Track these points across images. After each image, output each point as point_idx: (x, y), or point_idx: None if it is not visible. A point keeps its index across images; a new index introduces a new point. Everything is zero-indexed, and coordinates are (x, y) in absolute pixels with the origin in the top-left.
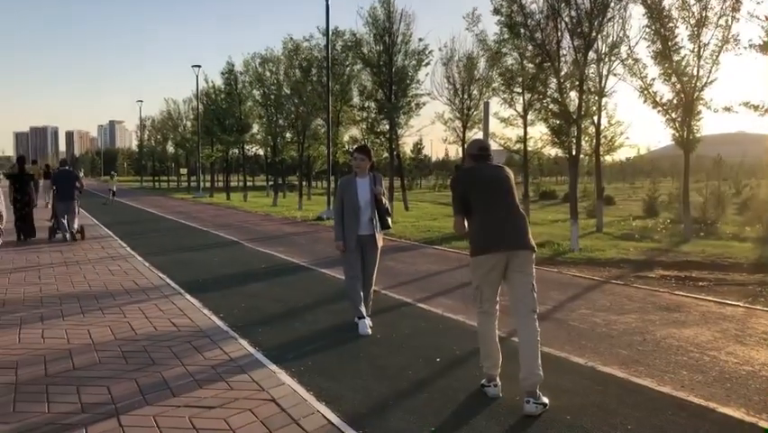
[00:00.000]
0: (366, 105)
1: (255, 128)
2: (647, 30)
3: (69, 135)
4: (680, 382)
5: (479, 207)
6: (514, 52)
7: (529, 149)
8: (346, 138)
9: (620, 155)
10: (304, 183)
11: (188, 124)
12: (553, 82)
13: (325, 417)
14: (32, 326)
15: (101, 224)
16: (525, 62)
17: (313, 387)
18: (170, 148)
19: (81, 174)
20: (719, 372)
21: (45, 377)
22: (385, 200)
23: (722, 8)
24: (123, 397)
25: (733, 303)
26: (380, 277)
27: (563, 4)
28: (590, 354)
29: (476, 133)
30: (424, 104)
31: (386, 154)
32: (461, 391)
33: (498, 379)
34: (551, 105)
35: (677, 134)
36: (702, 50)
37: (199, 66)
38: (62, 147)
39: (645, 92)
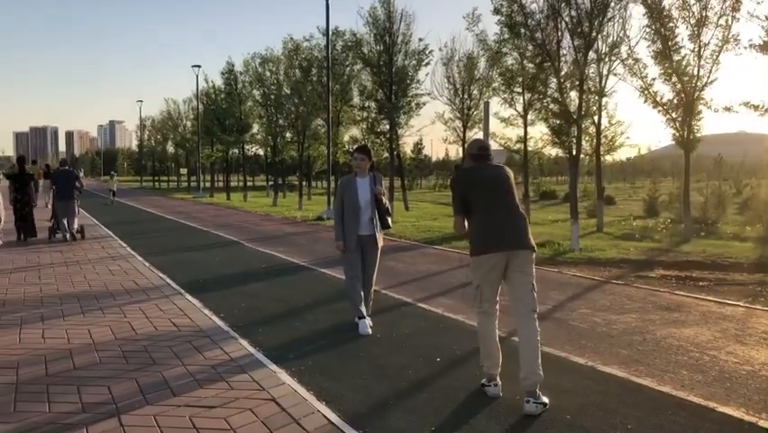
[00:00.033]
0: (366, 105)
1: (255, 128)
2: (647, 29)
3: (69, 135)
4: (680, 381)
5: (479, 207)
6: (514, 52)
7: (529, 149)
8: (346, 138)
9: (621, 155)
10: (304, 183)
11: (188, 124)
12: (553, 82)
13: (326, 416)
14: (33, 326)
15: (101, 224)
16: (525, 62)
17: (313, 387)
18: (170, 148)
19: (81, 174)
20: (719, 371)
21: (46, 377)
22: (385, 200)
23: (722, 8)
24: (124, 397)
25: (733, 303)
26: (381, 277)
27: (564, 4)
28: (590, 354)
29: (476, 133)
30: (424, 104)
31: (386, 154)
32: (461, 391)
33: (498, 378)
34: (551, 105)
35: (677, 134)
36: (702, 49)
37: (199, 66)
38: (62, 147)
39: (646, 92)
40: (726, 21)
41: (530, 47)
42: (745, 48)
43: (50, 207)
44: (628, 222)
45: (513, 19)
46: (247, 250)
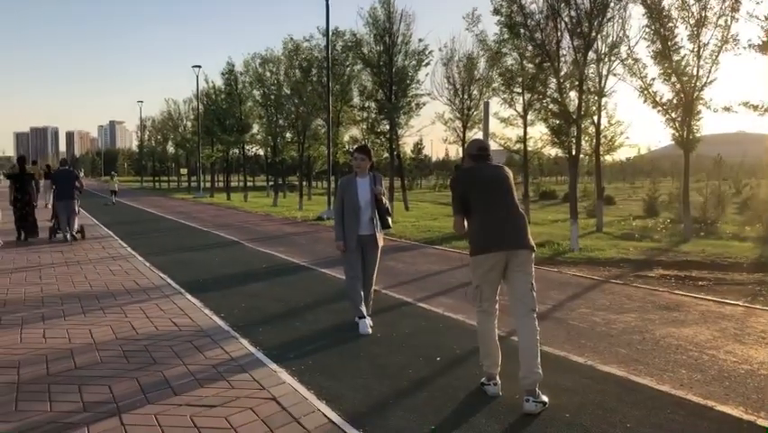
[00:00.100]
0: (366, 105)
1: (255, 128)
2: (647, 30)
3: (70, 136)
4: (679, 380)
5: (478, 207)
6: (514, 52)
7: (529, 149)
8: (346, 138)
9: (620, 155)
10: (304, 183)
11: (189, 124)
12: (552, 82)
13: (326, 415)
14: (34, 325)
15: (101, 224)
16: (524, 62)
17: (313, 386)
18: (171, 148)
19: (81, 174)
20: (718, 370)
21: (47, 376)
22: (385, 200)
23: (721, 8)
24: (125, 396)
25: (732, 302)
26: (381, 277)
27: (563, 5)
28: (590, 353)
29: (476, 133)
30: (424, 104)
31: (386, 154)
32: (461, 390)
33: (497, 377)
34: (551, 105)
35: (677, 134)
36: (702, 49)
37: (199, 66)
38: (62, 147)
39: (645, 92)
40: (726, 21)
41: (530, 47)
42: (745, 48)
43: (50, 207)
44: (628, 222)
45: (513, 19)
46: (247, 250)
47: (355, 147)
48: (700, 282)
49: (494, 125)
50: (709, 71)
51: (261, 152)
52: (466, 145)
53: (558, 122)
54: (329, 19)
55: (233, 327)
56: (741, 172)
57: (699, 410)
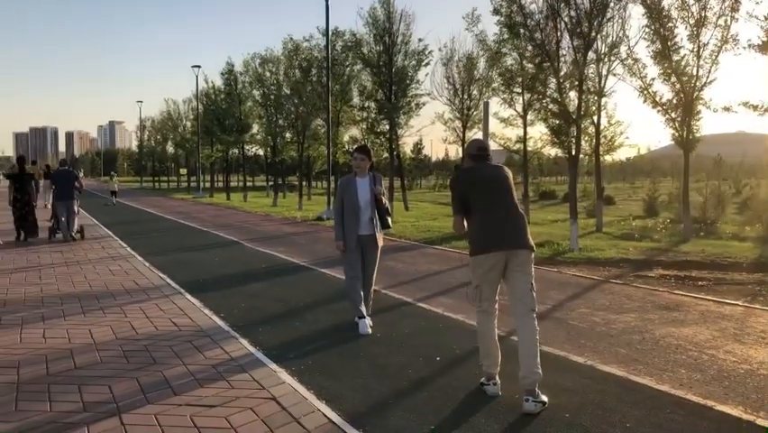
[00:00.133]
0: (366, 105)
1: (255, 128)
2: (647, 30)
3: (69, 136)
4: (678, 380)
5: (478, 207)
6: (513, 52)
7: (529, 149)
8: (346, 138)
9: (620, 155)
10: (304, 183)
11: (188, 124)
12: (552, 82)
13: (326, 415)
14: (34, 325)
15: (101, 224)
16: (524, 62)
17: (313, 386)
18: (170, 148)
19: (81, 175)
20: (717, 370)
21: (47, 376)
22: (385, 200)
23: (721, 8)
24: (125, 396)
25: (732, 302)
26: (380, 277)
27: (563, 5)
28: (590, 353)
29: (476, 133)
30: (423, 104)
31: (386, 154)
32: (460, 390)
33: (497, 377)
34: (550, 105)
35: (677, 134)
36: (701, 49)
37: (199, 66)
38: (62, 147)
39: (645, 92)
40: (725, 21)
41: (529, 47)
42: (744, 48)
43: (49, 207)
44: (628, 222)
45: (512, 19)
46: (247, 250)
47: (355, 147)
48: (700, 282)
49: (494, 125)
50: (709, 71)
51: (261, 152)
52: (466, 145)
53: (558, 122)
54: (329, 19)
55: (233, 327)
56: (741, 172)
57: (699, 410)
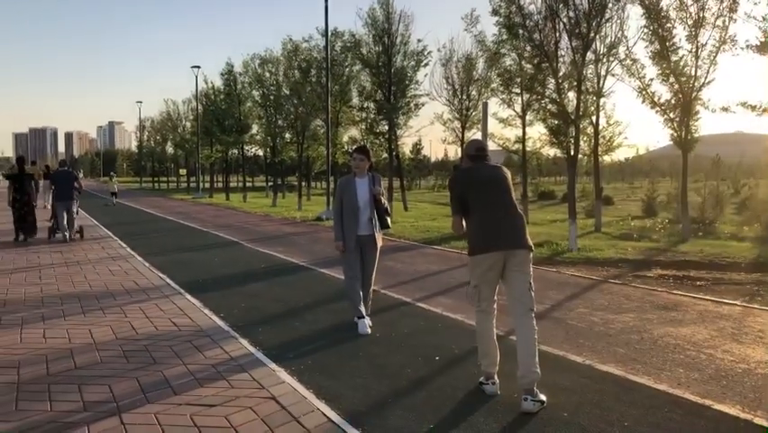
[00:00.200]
0: (365, 105)
1: (254, 129)
2: (645, 30)
3: (69, 136)
4: (676, 379)
5: (477, 207)
6: (512, 53)
7: (528, 149)
8: (345, 139)
9: (619, 155)
10: (303, 184)
11: (188, 124)
12: (551, 82)
13: (325, 414)
14: (34, 325)
15: (101, 224)
16: (523, 63)
17: (313, 385)
18: (170, 149)
19: (80, 175)
20: (715, 369)
21: (47, 376)
22: (384, 200)
23: (719, 9)
24: (125, 395)
25: (730, 302)
26: (380, 277)
27: (562, 5)
28: (588, 353)
29: (475, 134)
30: (423, 104)
31: (385, 155)
32: (459, 390)
33: (495, 377)
34: (549, 106)
35: (675, 134)
36: (700, 50)
37: (198, 67)
38: (61, 148)
39: (644, 92)
40: (724, 22)
41: (528, 48)
42: (742, 48)
43: (49, 207)
44: (626, 222)
45: (511, 20)
46: (247, 250)
47: (354, 147)
48: (698, 282)
49: (493, 126)
50: (707, 72)
51: (261, 153)
52: (464, 146)
53: (556, 122)
54: (328, 19)
55: (233, 327)
56: (739, 172)
57: (697, 409)
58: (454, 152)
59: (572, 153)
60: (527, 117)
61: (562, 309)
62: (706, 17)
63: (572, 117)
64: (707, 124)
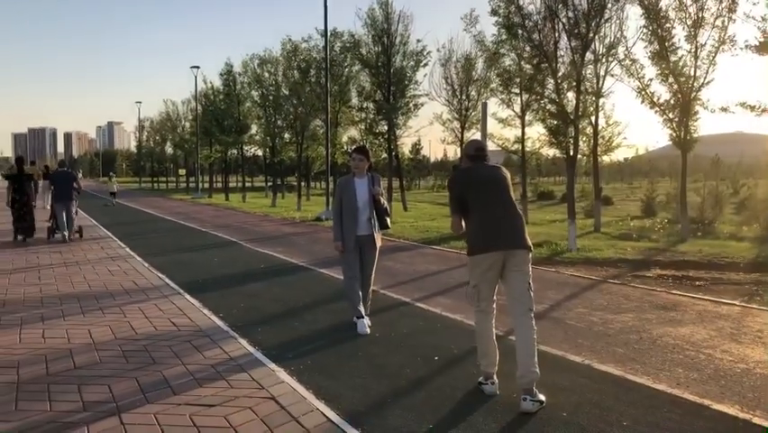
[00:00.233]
0: (364, 105)
1: (254, 129)
2: (644, 30)
3: (68, 136)
4: (675, 379)
5: (476, 207)
6: (511, 53)
7: (527, 149)
8: (345, 139)
9: (618, 155)
10: (302, 184)
11: (187, 125)
12: (550, 83)
13: (325, 414)
14: (33, 326)
15: (100, 224)
16: (522, 63)
17: (312, 385)
18: (169, 149)
19: (80, 175)
20: (714, 369)
21: (46, 376)
22: (383, 200)
23: (718, 9)
24: (124, 395)
25: (729, 302)
26: (379, 277)
27: (561, 5)
28: (587, 353)
29: (474, 134)
30: (422, 104)
31: (384, 155)
32: (458, 389)
33: (495, 377)
34: (548, 106)
35: (674, 135)
36: (699, 50)
37: (198, 67)
38: (60, 148)
39: (643, 92)
40: (723, 22)
41: (527, 48)
42: (742, 49)
43: (48, 207)
44: (626, 222)
45: (510, 20)
46: (246, 250)
47: (353, 148)
48: (697, 282)
49: (492, 126)
50: (707, 72)
51: (260, 153)
52: (464, 146)
53: (556, 122)
54: (327, 20)
55: (232, 327)
56: (738, 172)
57: (696, 409)
58: (454, 153)
59: (572, 154)
60: (527, 117)
61: (562, 309)
62: (705, 17)
63: (572, 117)
64: (706, 125)
